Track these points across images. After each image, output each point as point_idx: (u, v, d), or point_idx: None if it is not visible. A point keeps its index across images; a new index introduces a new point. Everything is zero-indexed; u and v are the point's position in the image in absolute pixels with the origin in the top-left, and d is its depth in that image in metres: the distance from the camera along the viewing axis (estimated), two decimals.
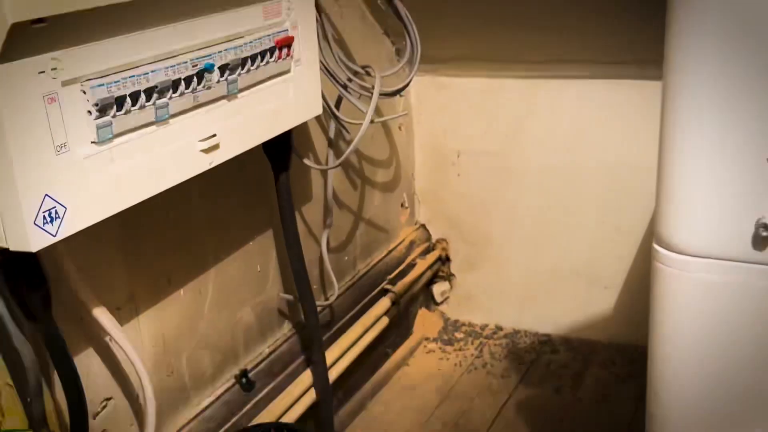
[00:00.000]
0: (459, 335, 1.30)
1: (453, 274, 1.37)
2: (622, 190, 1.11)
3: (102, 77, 0.43)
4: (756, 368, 0.53)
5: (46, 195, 0.39)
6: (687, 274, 0.56)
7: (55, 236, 0.42)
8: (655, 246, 0.57)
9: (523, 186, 1.25)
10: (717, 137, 0.50)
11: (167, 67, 0.50)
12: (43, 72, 0.37)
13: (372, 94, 0.91)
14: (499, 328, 1.31)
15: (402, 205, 1.36)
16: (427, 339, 1.31)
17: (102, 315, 0.59)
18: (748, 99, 0.48)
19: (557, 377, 1.15)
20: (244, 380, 0.89)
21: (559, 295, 1.25)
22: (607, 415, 1.04)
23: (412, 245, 1.34)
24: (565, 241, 1.23)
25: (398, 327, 1.26)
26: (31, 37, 0.36)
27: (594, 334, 1.23)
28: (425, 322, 1.34)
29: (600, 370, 1.17)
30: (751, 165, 0.49)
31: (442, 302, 1.37)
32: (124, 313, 0.71)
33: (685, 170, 0.53)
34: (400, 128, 1.26)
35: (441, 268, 1.38)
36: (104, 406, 0.70)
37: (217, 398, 0.88)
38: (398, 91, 0.98)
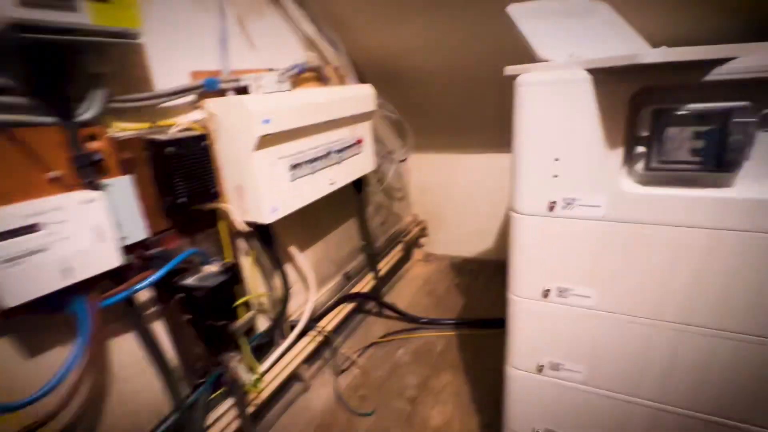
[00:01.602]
0: (431, 259, 2.55)
1: (428, 233, 2.65)
2: (502, 191, 2.33)
3: (292, 156, 1.17)
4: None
5: (272, 201, 1.16)
6: (521, 220, 0.87)
7: (275, 218, 1.15)
8: (512, 211, 0.89)
9: (455, 197, 2.43)
10: (531, 165, 0.82)
11: (317, 151, 1.29)
12: (271, 155, 1.10)
13: (394, 160, 2.16)
14: (448, 255, 2.57)
15: (407, 206, 2.53)
16: (418, 260, 2.57)
17: (292, 249, 1.53)
18: (537, 158, 0.82)
19: (470, 273, 2.36)
20: (347, 276, 2.10)
21: (473, 241, 2.48)
22: (488, 291, 2.20)
23: (410, 222, 2.55)
24: (476, 216, 2.44)
25: (406, 256, 2.43)
26: (265, 141, 1.06)
27: (484, 255, 2.49)
28: (416, 254, 2.60)
29: (488, 270, 2.37)
30: (543, 177, 0.82)
31: (424, 246, 2.64)
32: (301, 249, 1.54)
33: (519, 182, 0.85)
34: (401, 176, 2.44)
35: (423, 231, 2.62)
36: (295, 283, 1.78)
37: (335, 282, 1.81)
38: (404, 159, 2.23)
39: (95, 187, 0.87)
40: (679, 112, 0.70)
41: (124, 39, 0.84)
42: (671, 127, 0.71)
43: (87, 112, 0.86)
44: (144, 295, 1.04)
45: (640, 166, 0.77)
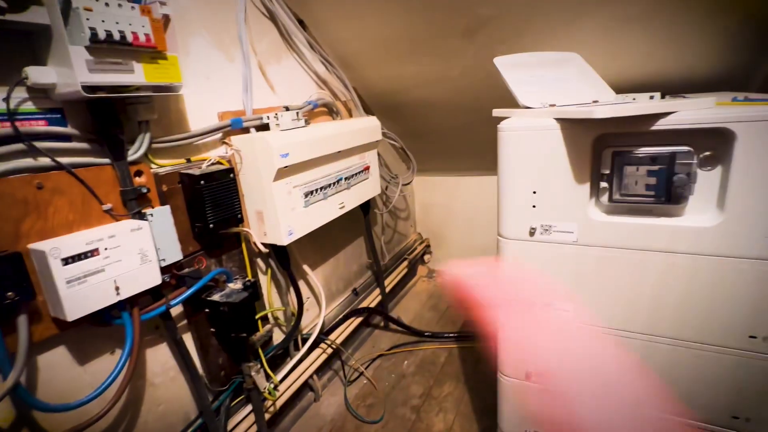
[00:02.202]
0: (434, 274, 2.68)
1: (431, 251, 2.78)
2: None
3: (306, 185, 1.32)
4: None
5: (288, 225, 1.32)
6: (507, 244, 1.01)
7: (291, 240, 1.31)
8: (498, 235, 1.03)
9: (456, 216, 2.57)
10: (513, 197, 0.96)
11: (328, 178, 1.44)
12: (287, 184, 1.25)
13: (399, 184, 2.31)
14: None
15: (411, 225, 2.69)
16: (422, 276, 2.69)
17: (305, 267, 1.69)
18: (518, 191, 0.95)
19: None
20: (355, 292, 2.23)
21: (472, 257, 2.63)
22: None
23: (415, 241, 2.69)
24: (476, 234, 2.57)
25: (411, 272, 2.56)
26: (283, 172, 1.21)
27: None
28: (421, 270, 2.72)
29: None
30: (524, 207, 0.95)
31: (427, 262, 2.77)
32: (314, 267, 1.75)
33: (503, 211, 1.00)
34: (405, 198, 2.59)
35: (427, 249, 2.75)
36: (308, 298, 1.82)
37: (344, 298, 2.00)
38: (407, 183, 2.38)
39: (141, 216, 1.02)
40: (634, 154, 0.84)
41: (169, 92, 1.00)
42: (628, 166, 0.85)
43: (136, 152, 1.02)
44: (176, 309, 1.18)
45: (605, 198, 0.90)
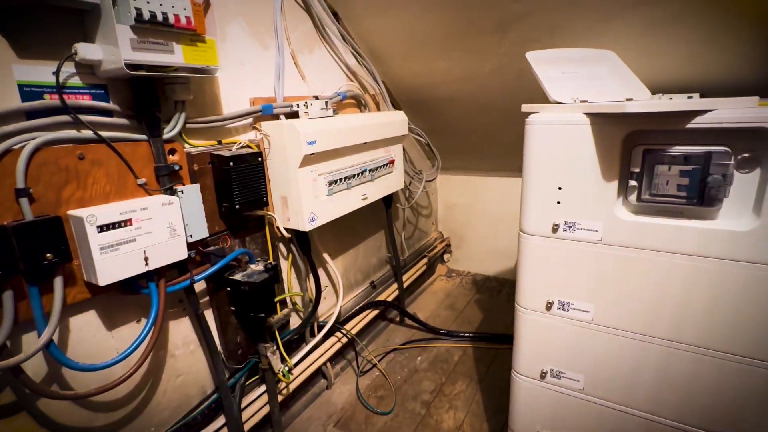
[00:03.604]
0: (453, 274, 2.66)
1: (451, 251, 2.76)
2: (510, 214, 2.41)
3: (330, 174, 1.36)
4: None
5: (311, 212, 1.32)
6: (528, 240, 1.00)
7: (313, 226, 1.33)
8: (520, 231, 1.01)
9: (478, 217, 2.54)
10: (537, 192, 0.95)
11: (353, 169, 1.51)
12: (313, 172, 1.29)
13: (422, 180, 2.30)
14: (469, 272, 2.66)
15: (432, 223, 2.68)
16: (441, 275, 2.68)
17: (325, 255, 1.70)
18: (543, 186, 0.93)
19: (490, 290, 2.45)
20: (373, 284, 2.22)
21: (494, 260, 2.57)
22: (507, 308, 2.27)
23: (435, 239, 2.67)
24: (498, 236, 2.54)
25: (429, 270, 2.55)
26: (309, 159, 1.24)
27: (505, 275, 2.56)
28: (440, 269, 2.70)
29: (508, 289, 2.46)
30: (548, 202, 0.94)
31: (447, 261, 2.75)
32: (333, 256, 1.78)
33: (527, 207, 0.99)
34: (428, 194, 2.59)
35: (447, 248, 2.73)
36: (326, 286, 1.77)
37: (362, 290, 2.01)
38: (431, 180, 2.37)
39: (172, 192, 1.06)
40: (666, 152, 0.81)
41: (205, 74, 1.03)
42: (659, 165, 0.82)
43: (171, 131, 1.06)
44: (199, 285, 1.22)
45: (633, 197, 0.88)
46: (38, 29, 0.85)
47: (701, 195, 0.79)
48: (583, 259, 0.94)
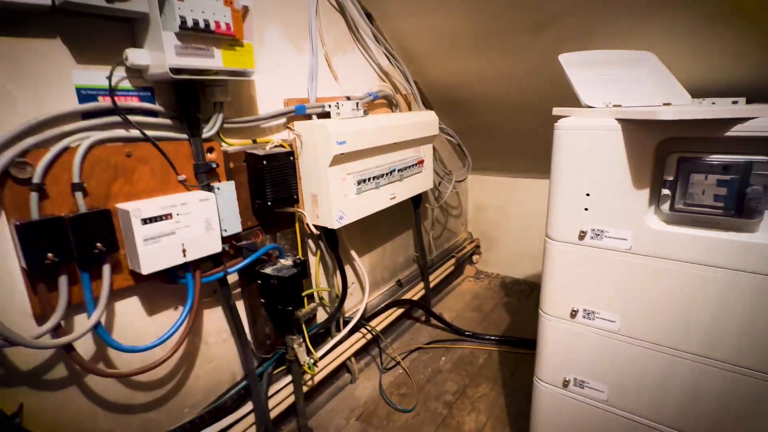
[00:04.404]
0: (481, 276, 2.63)
1: (480, 252, 2.73)
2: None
3: (359, 173, 1.39)
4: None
5: (340, 210, 1.39)
6: (554, 246, 0.99)
7: (341, 225, 1.40)
8: (546, 236, 1.02)
9: (509, 219, 2.50)
10: (564, 198, 0.94)
11: (382, 169, 1.55)
12: (342, 171, 1.32)
13: (452, 180, 2.29)
14: (498, 274, 2.63)
15: (462, 223, 2.67)
16: (468, 276, 2.66)
17: (353, 253, 1.71)
18: (571, 192, 0.93)
19: (519, 293, 2.41)
20: (399, 283, 2.23)
21: (524, 263, 2.52)
22: (535, 313, 2.25)
23: (464, 240, 2.65)
24: (528, 239, 2.49)
25: (457, 270, 2.54)
26: (339, 159, 1.28)
27: (535, 278, 2.50)
28: (468, 270, 2.68)
29: (537, 293, 2.39)
30: (575, 209, 0.93)
31: (476, 263, 2.73)
32: (360, 254, 1.80)
33: (554, 212, 0.99)
34: (458, 195, 2.57)
35: (476, 249, 2.70)
36: (352, 283, 1.81)
37: (388, 288, 2.04)
38: (461, 180, 2.36)
39: (209, 189, 1.12)
40: (703, 161, 0.78)
41: (242, 77, 1.09)
42: (695, 174, 0.79)
43: (210, 131, 1.12)
44: (231, 277, 1.28)
45: (665, 206, 0.85)
46: (93, 37, 0.93)
47: (740, 206, 0.76)
48: (610, 267, 0.92)
